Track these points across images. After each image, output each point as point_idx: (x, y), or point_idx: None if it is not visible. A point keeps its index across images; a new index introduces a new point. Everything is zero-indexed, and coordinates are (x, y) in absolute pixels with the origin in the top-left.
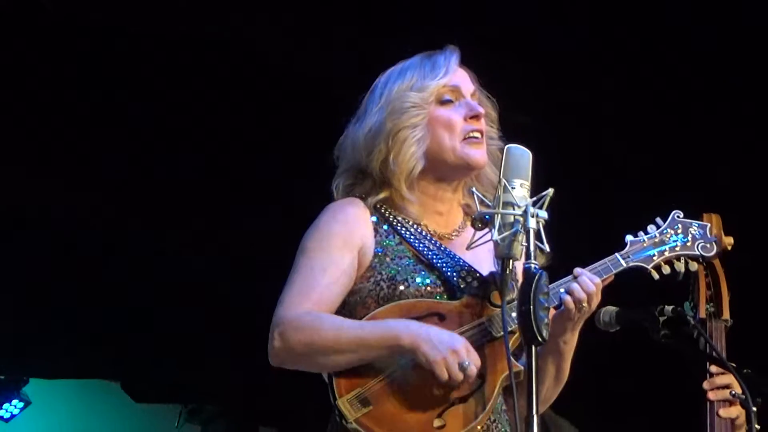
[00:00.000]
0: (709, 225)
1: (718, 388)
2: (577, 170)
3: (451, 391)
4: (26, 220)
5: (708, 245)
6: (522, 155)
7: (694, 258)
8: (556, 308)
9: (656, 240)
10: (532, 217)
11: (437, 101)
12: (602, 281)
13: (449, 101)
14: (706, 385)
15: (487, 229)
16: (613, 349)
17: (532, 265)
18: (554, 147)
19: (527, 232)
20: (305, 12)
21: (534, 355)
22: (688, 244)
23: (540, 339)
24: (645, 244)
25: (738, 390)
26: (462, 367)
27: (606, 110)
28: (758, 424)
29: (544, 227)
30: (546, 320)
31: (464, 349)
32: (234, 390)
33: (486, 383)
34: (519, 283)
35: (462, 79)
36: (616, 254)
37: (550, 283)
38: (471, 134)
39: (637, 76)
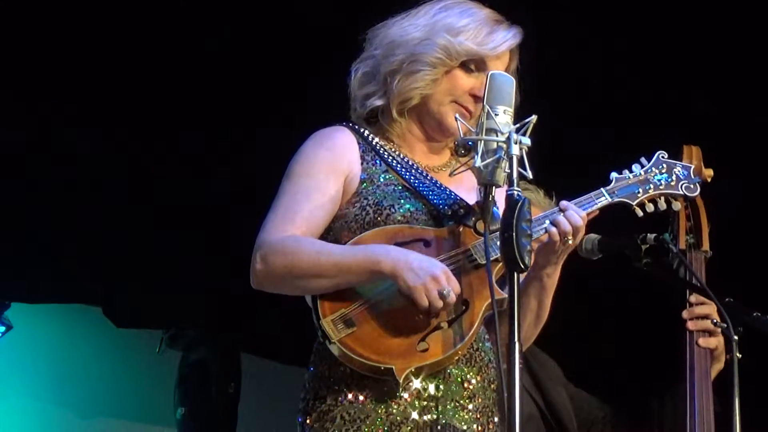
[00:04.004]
0: (693, 166)
1: (697, 318)
2: (557, 101)
3: (434, 316)
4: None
5: (691, 185)
6: (505, 81)
7: (678, 197)
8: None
9: (641, 178)
10: (516, 143)
11: (462, 63)
12: (587, 215)
13: (471, 70)
14: (685, 314)
15: (470, 156)
16: (591, 281)
17: (515, 192)
18: (536, 78)
19: (510, 159)
20: None
21: (516, 281)
22: (672, 183)
23: (522, 266)
24: (630, 182)
25: (719, 319)
26: (442, 295)
27: (588, 43)
28: (739, 353)
29: (526, 154)
30: (528, 247)
31: (444, 276)
32: (215, 315)
33: (470, 309)
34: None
35: (499, 64)
36: (602, 189)
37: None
38: (461, 106)
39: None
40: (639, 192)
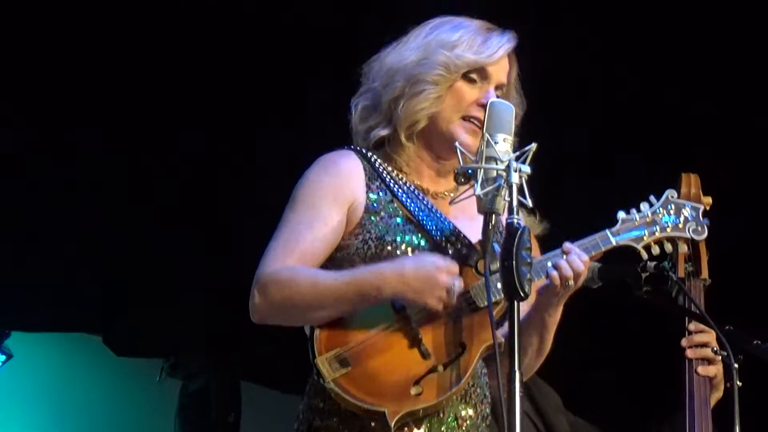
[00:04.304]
0: (701, 207)
1: (696, 345)
2: (556, 101)
3: (430, 359)
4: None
5: (699, 228)
6: (505, 110)
7: (685, 240)
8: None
9: (648, 219)
10: (515, 171)
11: (464, 75)
12: (590, 258)
13: (473, 81)
14: (684, 342)
15: (470, 184)
16: (590, 308)
17: (515, 220)
18: (534, 79)
19: (510, 187)
20: None
21: (517, 310)
22: (680, 225)
23: (522, 294)
24: (636, 223)
25: (718, 347)
26: (452, 294)
27: (588, 43)
28: (739, 381)
29: (527, 182)
30: (528, 275)
31: (442, 275)
32: (215, 343)
33: (466, 353)
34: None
35: (499, 69)
36: (607, 231)
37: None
38: (471, 119)
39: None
40: (645, 235)
